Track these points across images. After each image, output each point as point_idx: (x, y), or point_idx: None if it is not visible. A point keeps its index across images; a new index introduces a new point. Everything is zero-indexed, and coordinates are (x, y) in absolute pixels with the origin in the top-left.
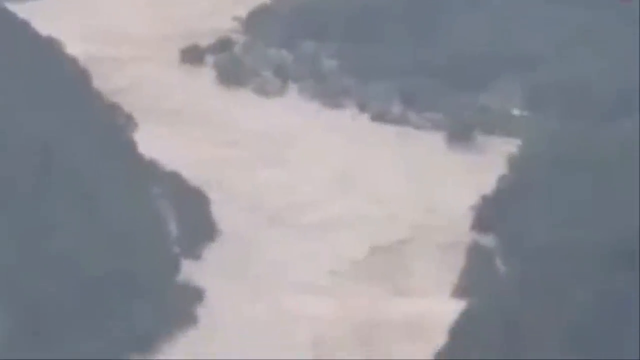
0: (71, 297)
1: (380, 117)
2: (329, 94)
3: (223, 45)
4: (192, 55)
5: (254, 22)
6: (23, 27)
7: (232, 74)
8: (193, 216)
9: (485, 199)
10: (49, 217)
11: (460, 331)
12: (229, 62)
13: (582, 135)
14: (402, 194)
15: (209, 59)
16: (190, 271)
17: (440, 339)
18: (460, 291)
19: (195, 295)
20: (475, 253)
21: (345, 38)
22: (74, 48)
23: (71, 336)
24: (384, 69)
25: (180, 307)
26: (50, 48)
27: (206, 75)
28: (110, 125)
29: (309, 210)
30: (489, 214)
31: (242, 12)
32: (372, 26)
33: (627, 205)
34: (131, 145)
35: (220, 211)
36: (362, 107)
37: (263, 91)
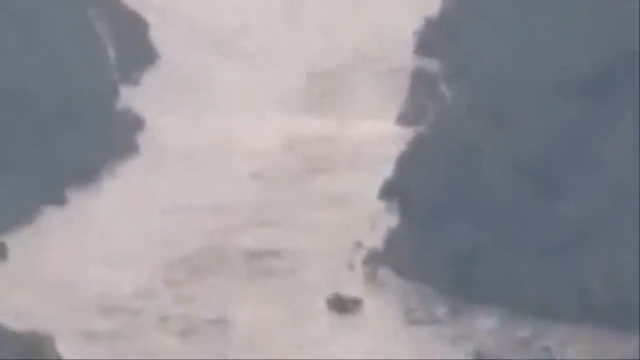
0: (8, 125)
1: None
2: None
3: None
4: None
5: None
6: None
7: None
8: (131, 40)
9: (428, 22)
10: None
11: (407, 159)
12: None
13: None
14: (344, 19)
15: None
16: (129, 97)
17: (387, 168)
18: (405, 118)
19: (135, 122)
20: (419, 78)
21: None
22: None
23: (7, 167)
24: None
25: (120, 136)
26: None
27: None
28: None
29: (251, 36)
30: (433, 38)
31: None
32: None
33: (597, 31)
34: None
35: (159, 35)
36: None
37: None
